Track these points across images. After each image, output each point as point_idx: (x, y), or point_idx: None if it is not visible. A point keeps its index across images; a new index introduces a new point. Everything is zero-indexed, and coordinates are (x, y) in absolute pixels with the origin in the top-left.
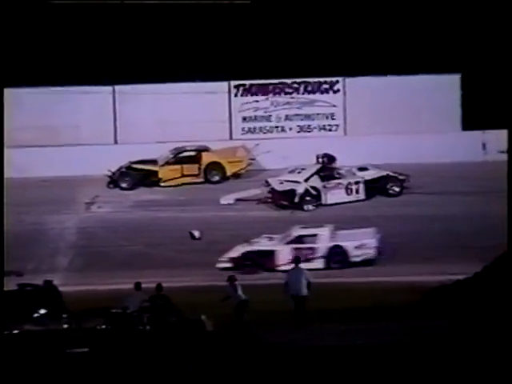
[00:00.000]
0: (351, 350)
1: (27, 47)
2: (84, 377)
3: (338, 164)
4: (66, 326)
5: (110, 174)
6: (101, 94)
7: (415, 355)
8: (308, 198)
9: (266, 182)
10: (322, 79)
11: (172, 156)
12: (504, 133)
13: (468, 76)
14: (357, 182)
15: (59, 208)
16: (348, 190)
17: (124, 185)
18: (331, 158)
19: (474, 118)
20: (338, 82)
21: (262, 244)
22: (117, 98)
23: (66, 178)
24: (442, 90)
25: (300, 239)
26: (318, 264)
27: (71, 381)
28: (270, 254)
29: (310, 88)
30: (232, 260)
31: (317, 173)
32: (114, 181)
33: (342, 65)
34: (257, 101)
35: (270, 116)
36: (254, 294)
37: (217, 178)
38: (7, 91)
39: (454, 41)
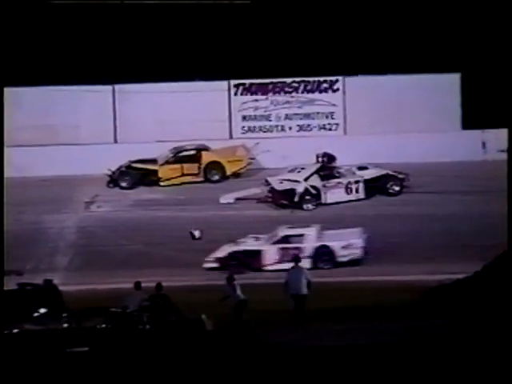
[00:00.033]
0: (351, 349)
1: (27, 47)
2: (84, 376)
3: (337, 163)
4: (65, 325)
5: (109, 173)
6: (101, 93)
7: (415, 355)
8: (308, 198)
9: (266, 181)
10: (321, 78)
11: (172, 155)
12: (504, 132)
13: (468, 75)
14: (357, 181)
15: (59, 207)
16: (348, 189)
17: (124, 184)
18: (331, 158)
19: (473, 117)
20: (337, 81)
21: (249, 244)
22: (116, 97)
23: (66, 177)
24: (441, 89)
25: (286, 239)
26: (305, 264)
27: (71, 380)
28: (256, 254)
29: (309, 87)
30: (218, 260)
31: (316, 172)
32: (113, 180)
33: (341, 64)
34: (256, 100)
35: (270, 115)
36: (253, 293)
37: (217, 178)
38: (7, 90)
39: (453, 40)
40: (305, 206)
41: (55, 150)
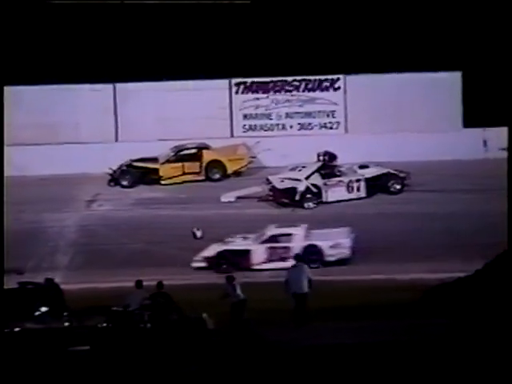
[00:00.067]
0: (351, 348)
1: (28, 46)
2: (85, 375)
3: (338, 162)
4: (67, 324)
5: (110, 171)
6: (101, 91)
7: (416, 354)
8: (309, 196)
9: (267, 179)
10: (322, 77)
11: (173, 154)
12: (505, 130)
13: (469, 73)
14: (358, 180)
15: (60, 206)
16: (349, 188)
17: (125, 183)
18: (332, 156)
19: (475, 115)
20: (338, 79)
21: (237, 243)
22: (117, 95)
23: (67, 176)
24: (442, 88)
25: (274, 238)
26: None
27: (72, 379)
28: (244, 254)
29: (310, 86)
30: (206, 259)
31: (318, 171)
32: (114, 179)
33: (342, 62)
34: (257, 98)
35: (271, 114)
36: (254, 292)
37: (218, 176)
38: (7, 89)
39: (455, 38)
40: (306, 205)
41: (56, 148)
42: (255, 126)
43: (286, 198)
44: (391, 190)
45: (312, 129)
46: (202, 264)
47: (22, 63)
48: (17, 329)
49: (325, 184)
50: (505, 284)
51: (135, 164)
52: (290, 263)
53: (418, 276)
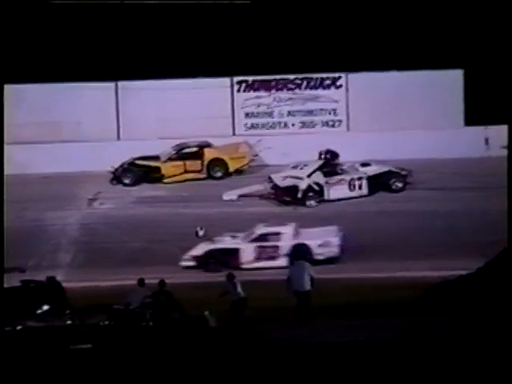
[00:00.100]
0: (353, 346)
1: (28, 45)
2: (87, 373)
3: (340, 160)
4: (68, 322)
5: (112, 170)
6: (103, 90)
7: (417, 352)
8: (311, 194)
9: (269, 177)
10: (324, 75)
11: (174, 152)
12: (506, 128)
13: (471, 71)
14: (359, 178)
15: (61, 204)
16: (351, 186)
17: (126, 181)
18: (334, 154)
19: (476, 113)
20: (340, 77)
21: (226, 242)
22: (119, 94)
23: (68, 174)
24: (444, 86)
25: (263, 237)
26: (282, 262)
27: (74, 377)
28: (233, 252)
29: (312, 84)
30: (195, 258)
31: (319, 168)
32: (116, 177)
33: (344, 60)
34: (259, 97)
35: (273, 112)
36: (255, 290)
37: (219, 174)
38: (8, 87)
39: (456, 36)
40: (308, 203)
41: (58, 146)
42: (257, 124)
43: (287, 196)
44: (393, 188)
45: (314, 127)
46: (191, 263)
47: (24, 62)
48: (19, 327)
49: (327, 182)
50: (506, 282)
51: (137, 162)
52: (279, 262)
53: (419, 274)
